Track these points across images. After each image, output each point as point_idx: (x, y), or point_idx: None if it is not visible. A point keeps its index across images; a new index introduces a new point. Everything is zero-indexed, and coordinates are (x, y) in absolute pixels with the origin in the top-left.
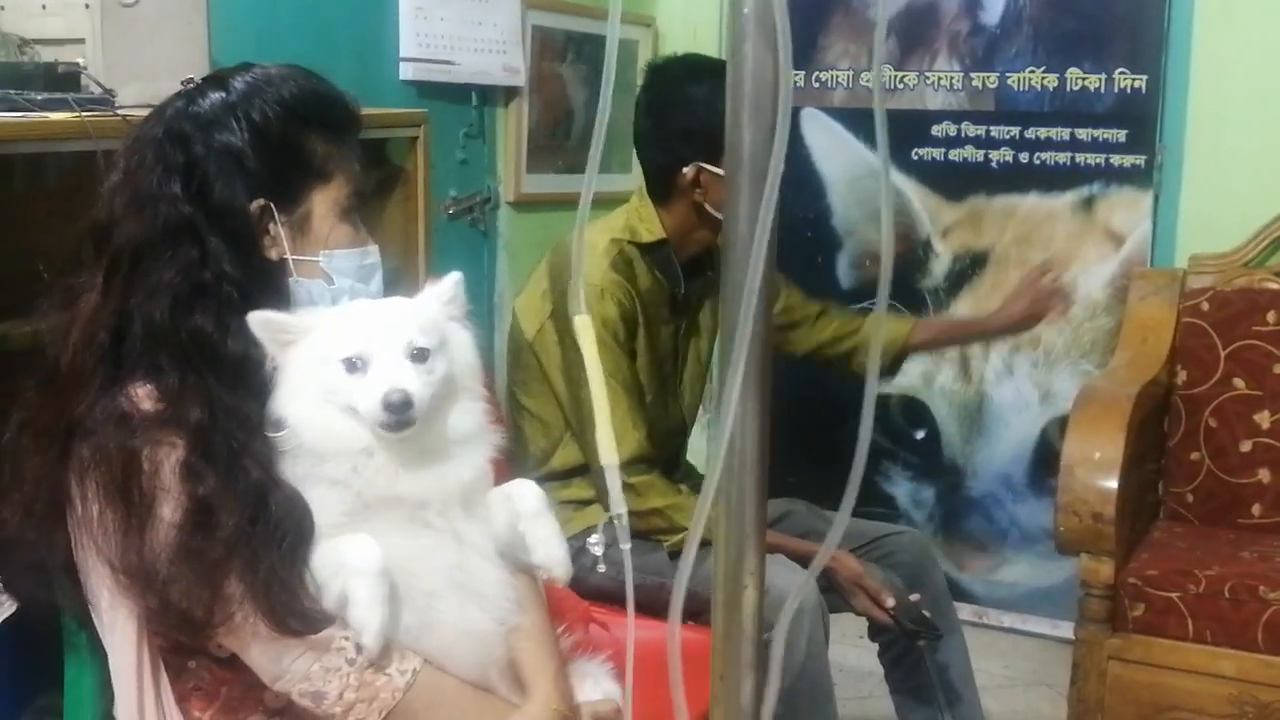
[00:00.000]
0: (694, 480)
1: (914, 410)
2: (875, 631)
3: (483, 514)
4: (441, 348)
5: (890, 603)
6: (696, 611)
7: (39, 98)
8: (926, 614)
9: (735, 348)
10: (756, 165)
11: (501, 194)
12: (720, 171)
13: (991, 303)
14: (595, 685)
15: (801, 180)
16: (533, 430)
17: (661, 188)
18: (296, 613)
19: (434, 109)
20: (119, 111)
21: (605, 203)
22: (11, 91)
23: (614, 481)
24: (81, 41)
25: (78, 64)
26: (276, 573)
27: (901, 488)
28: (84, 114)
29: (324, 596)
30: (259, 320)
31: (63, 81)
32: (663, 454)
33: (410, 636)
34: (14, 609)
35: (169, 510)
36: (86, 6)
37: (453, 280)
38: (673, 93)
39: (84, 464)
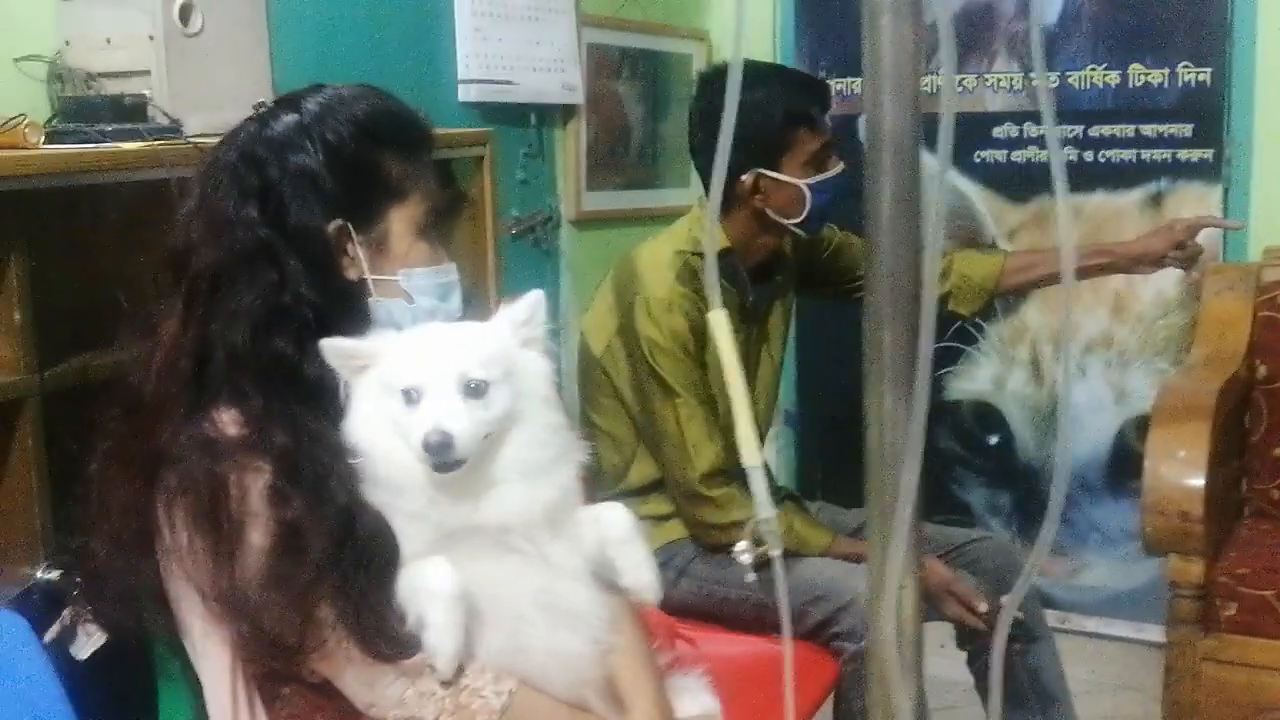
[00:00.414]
0: (774, 489)
1: (986, 415)
2: (963, 639)
3: (572, 533)
4: (507, 379)
5: (984, 608)
6: (778, 625)
7: (108, 129)
8: (1020, 616)
9: (883, 334)
10: (898, 142)
11: (563, 212)
12: (780, 176)
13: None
14: (694, 700)
15: (854, 188)
16: (605, 447)
17: (721, 197)
18: (388, 637)
19: (494, 130)
20: (188, 139)
21: (666, 217)
22: (82, 125)
23: (759, 484)
24: (147, 73)
25: (144, 95)
26: (366, 596)
27: (976, 494)
28: (154, 143)
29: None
30: (331, 347)
31: (130, 113)
32: (740, 466)
33: (503, 659)
34: (103, 640)
35: (258, 535)
36: (151, 38)
37: (530, 300)
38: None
39: (171, 491)
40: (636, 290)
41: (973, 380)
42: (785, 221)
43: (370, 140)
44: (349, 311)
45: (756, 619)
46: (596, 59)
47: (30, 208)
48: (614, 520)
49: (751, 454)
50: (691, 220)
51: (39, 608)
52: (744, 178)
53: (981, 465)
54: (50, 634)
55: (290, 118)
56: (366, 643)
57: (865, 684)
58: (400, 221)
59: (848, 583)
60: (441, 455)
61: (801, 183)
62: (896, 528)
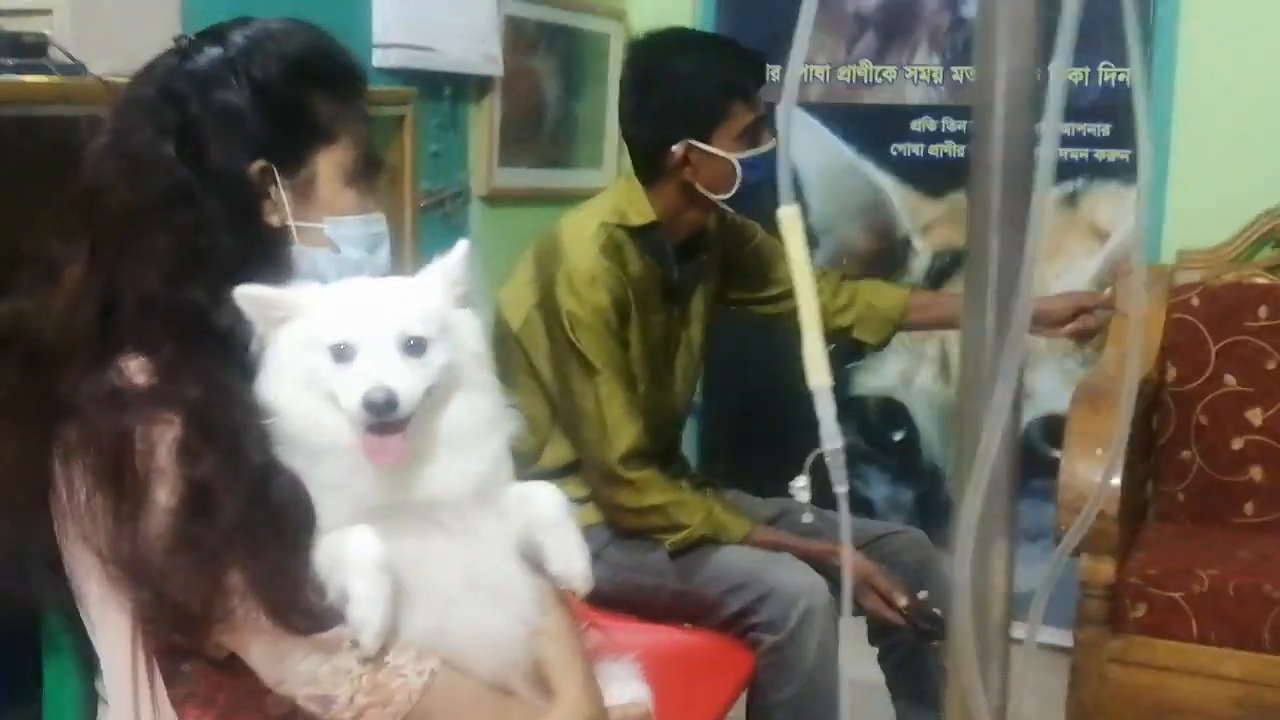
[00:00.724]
0: (690, 474)
1: (892, 411)
2: (875, 635)
3: (502, 508)
4: (443, 335)
5: (903, 602)
6: (696, 614)
7: (8, 62)
8: (938, 612)
9: (980, 316)
10: (1016, 96)
11: (473, 188)
12: (711, 149)
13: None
14: (623, 688)
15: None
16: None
17: (649, 168)
18: (301, 609)
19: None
20: (98, 77)
21: (578, 197)
22: None
23: (826, 408)
24: (49, 13)
25: (44, 35)
26: (280, 564)
27: (879, 490)
28: (59, 78)
29: (325, 594)
30: (247, 295)
31: (29, 53)
32: (659, 447)
33: (426, 639)
34: None
35: (164, 494)
36: None
37: (461, 253)
38: (658, 67)
39: (70, 446)
40: (559, 263)
41: (879, 376)
42: (714, 196)
43: (300, 78)
44: (269, 259)
45: (670, 607)
46: (513, 32)
47: None
48: (545, 500)
49: (819, 373)
50: (617, 192)
51: None
52: (674, 148)
53: (885, 462)
54: None
55: (214, 51)
56: (278, 613)
57: (788, 675)
58: (328, 166)
59: (768, 572)
60: (384, 414)
61: (733, 157)
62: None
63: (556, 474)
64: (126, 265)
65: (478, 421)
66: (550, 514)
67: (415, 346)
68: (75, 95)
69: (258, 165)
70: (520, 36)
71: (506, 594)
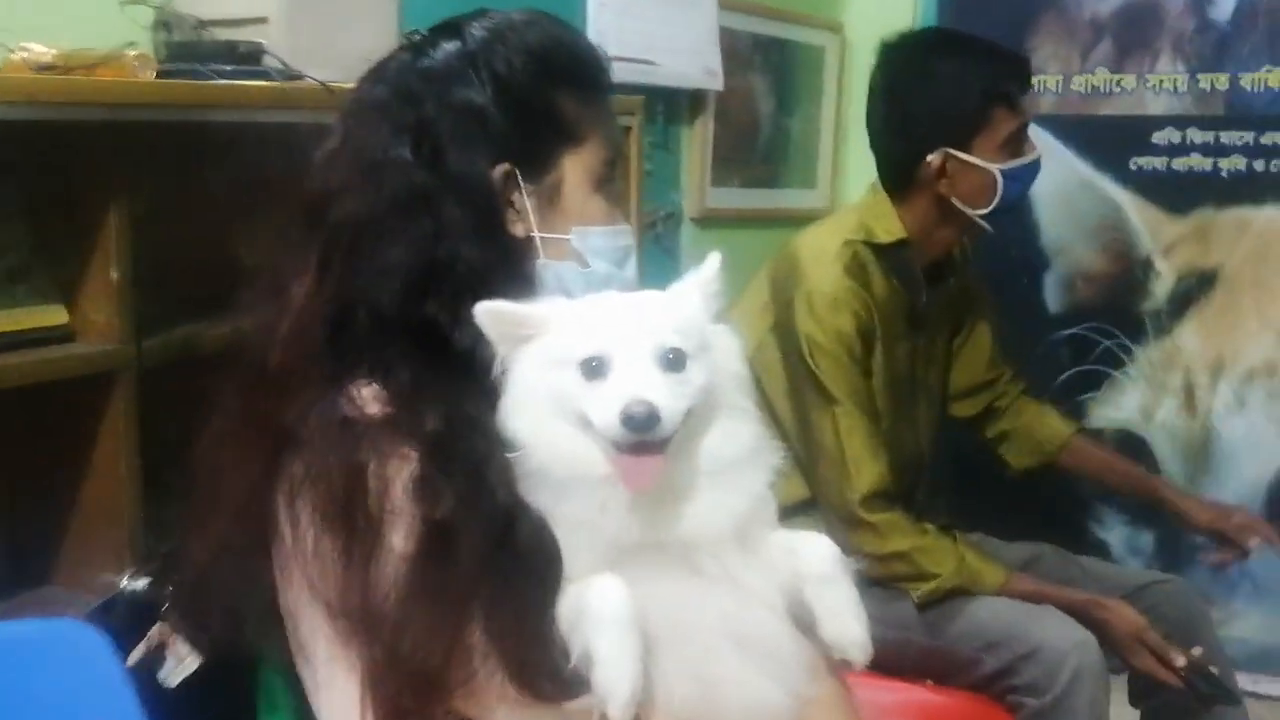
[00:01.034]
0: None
1: (1131, 446)
2: (1138, 696)
3: (765, 557)
4: (702, 353)
5: (1180, 661)
6: (947, 672)
7: (226, 68)
8: (1214, 671)
9: None
10: None
11: (685, 209)
12: (972, 159)
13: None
14: None
15: None
16: None
17: (901, 180)
18: (549, 672)
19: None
20: (320, 82)
21: (792, 220)
22: (196, 65)
23: None
24: (264, 21)
25: (259, 43)
26: (527, 619)
27: (1116, 532)
28: (279, 83)
29: (573, 650)
30: (489, 311)
31: (244, 60)
32: (902, 488)
33: (684, 705)
34: (197, 664)
35: (400, 538)
36: None
37: (714, 265)
38: (916, 69)
39: (296, 481)
40: (798, 283)
41: (1118, 408)
42: (972, 211)
43: (545, 74)
44: (512, 273)
45: (919, 664)
46: (726, 45)
47: (136, 149)
48: (816, 552)
49: None
50: (863, 207)
51: (123, 623)
52: (930, 158)
53: (1122, 502)
54: (135, 656)
55: (451, 45)
56: (525, 678)
57: None
58: (575, 171)
59: (1031, 627)
60: (644, 430)
61: (995, 167)
62: None
63: (791, 512)
64: (359, 279)
65: (739, 451)
66: (823, 568)
67: (675, 361)
68: (294, 99)
69: (501, 169)
70: (734, 50)
71: (773, 655)
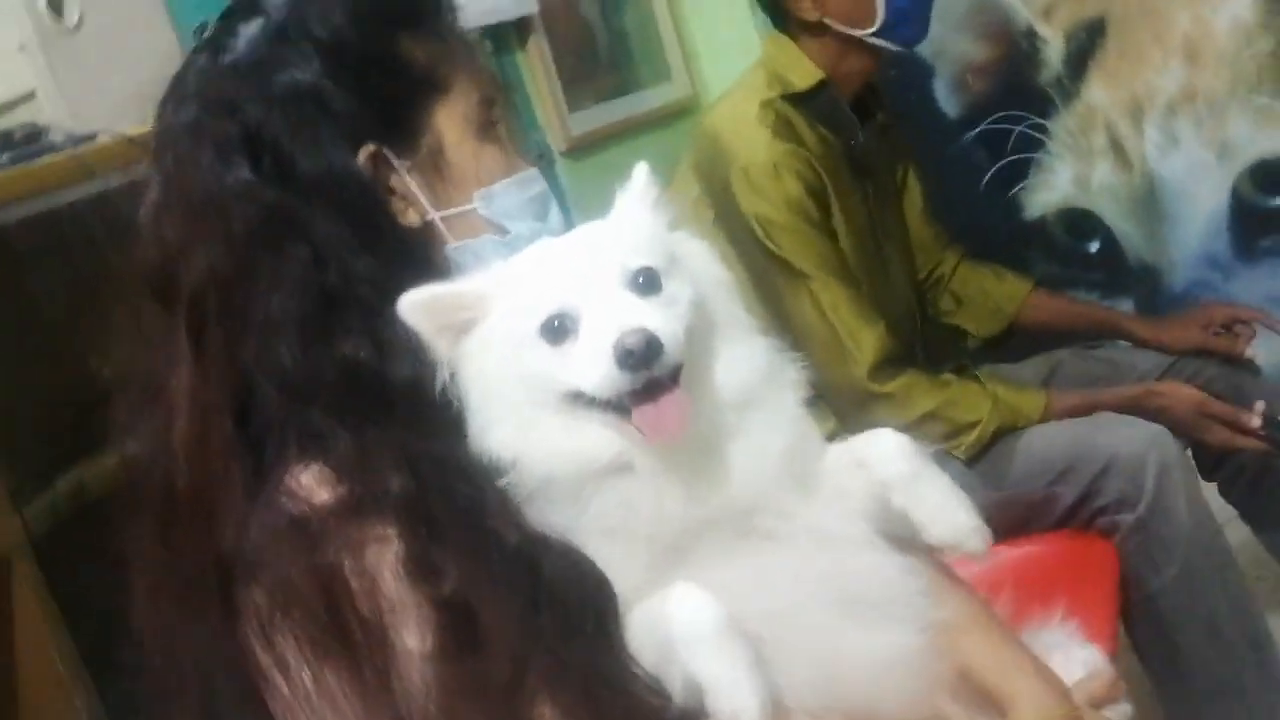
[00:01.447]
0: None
1: (1079, 222)
2: (1209, 469)
3: (831, 484)
4: (674, 266)
5: (1255, 422)
6: (1024, 521)
7: (6, 158)
8: None
9: None
10: None
11: (552, 145)
12: None
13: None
14: (1068, 658)
15: None
16: None
17: (779, 18)
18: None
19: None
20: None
21: (662, 121)
22: None
23: None
24: (33, 97)
25: (34, 125)
26: (598, 675)
27: None
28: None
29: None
30: (415, 306)
31: (28, 143)
32: (905, 347)
33: (816, 698)
34: None
35: (413, 636)
36: (22, 48)
37: (643, 174)
38: None
39: (264, 617)
40: (728, 164)
41: (1052, 189)
42: (858, 31)
43: (376, 21)
44: (422, 272)
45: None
46: None
47: None
48: (887, 452)
49: None
50: (769, 59)
51: None
52: None
53: (1090, 278)
54: None
55: (253, 26)
56: None
57: (1165, 552)
58: (451, 125)
59: (1094, 442)
60: (648, 363)
61: None
62: None
63: None
64: (245, 346)
65: (756, 373)
66: (902, 466)
67: (649, 281)
68: (96, 164)
69: (365, 153)
70: None
71: (888, 598)
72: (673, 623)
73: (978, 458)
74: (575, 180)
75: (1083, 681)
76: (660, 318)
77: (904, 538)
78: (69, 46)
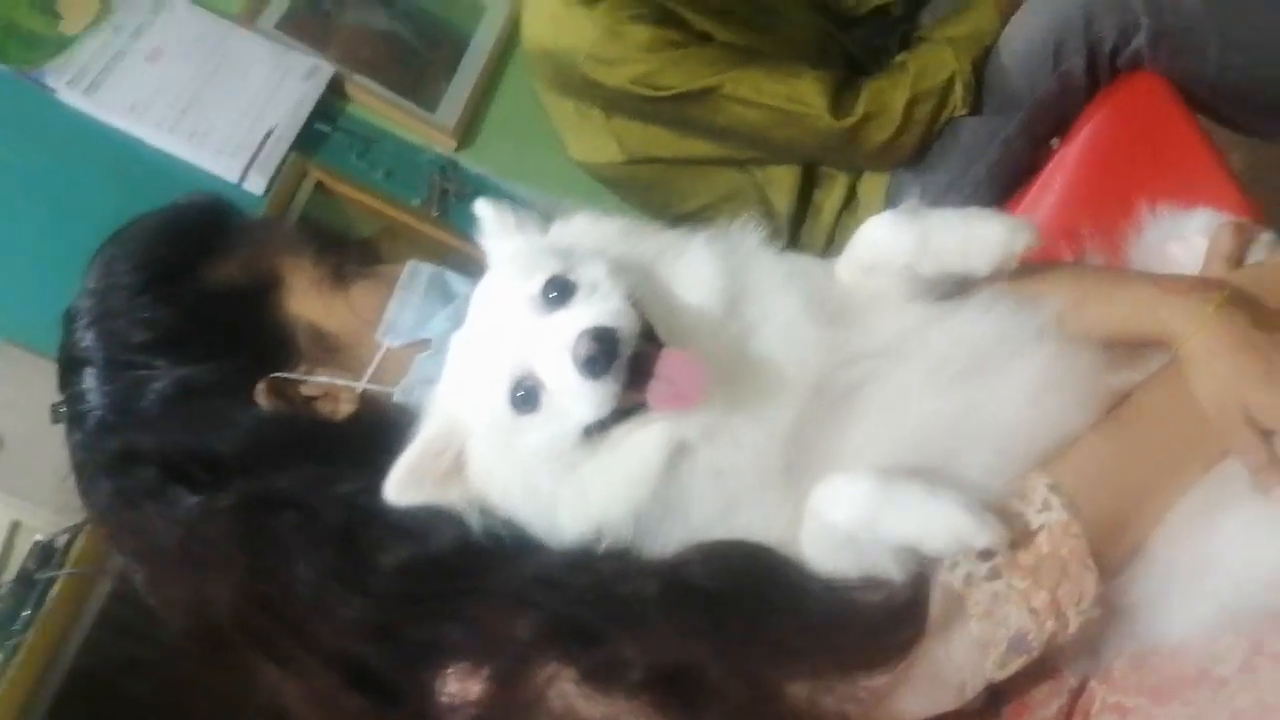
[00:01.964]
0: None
1: None
2: None
3: (862, 297)
4: (573, 257)
5: None
6: (1061, 106)
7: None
8: None
9: None
10: None
11: (445, 153)
12: None
13: None
14: (1184, 240)
15: None
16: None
17: None
18: (874, 631)
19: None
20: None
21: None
22: None
23: None
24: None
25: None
26: (807, 625)
27: None
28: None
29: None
30: (400, 489)
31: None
32: (842, 65)
33: (1005, 466)
34: None
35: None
36: None
37: (487, 209)
38: None
39: None
40: (572, 62)
41: None
42: None
43: (176, 277)
44: (383, 447)
45: (1034, 127)
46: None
47: None
48: (879, 232)
49: None
50: None
51: None
52: None
53: None
54: None
55: (87, 375)
56: (875, 661)
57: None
58: (305, 302)
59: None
60: (612, 349)
61: None
62: None
63: (814, 188)
64: (315, 630)
65: (721, 272)
66: (906, 239)
67: (559, 291)
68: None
69: (260, 393)
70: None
71: (996, 341)
72: (836, 522)
73: (978, 99)
74: (491, 161)
75: (1212, 248)
76: (592, 308)
77: (960, 286)
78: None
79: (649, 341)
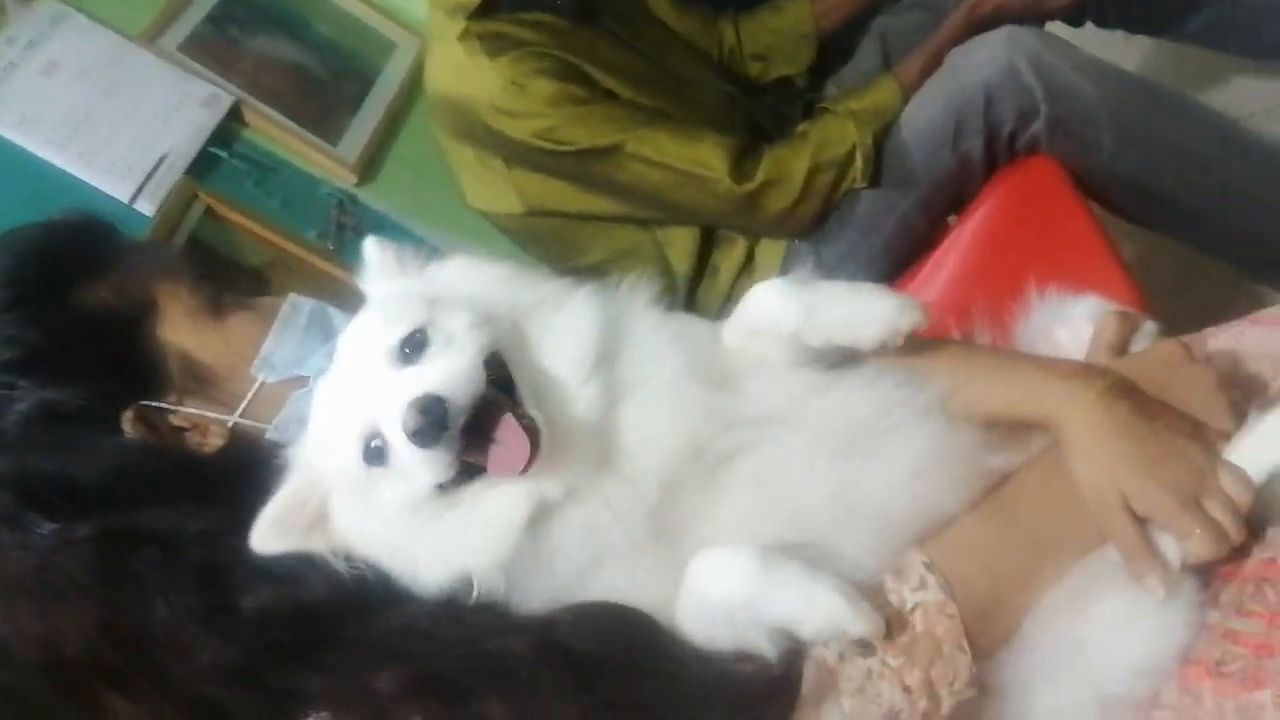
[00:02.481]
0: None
1: None
2: (1075, 19)
3: (745, 362)
4: (438, 306)
5: None
6: (958, 191)
7: None
8: None
9: None
10: None
11: (345, 187)
12: None
13: None
14: (1070, 326)
15: None
16: (634, 265)
17: None
18: (745, 704)
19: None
20: None
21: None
22: None
23: None
24: None
25: None
26: (679, 690)
27: None
28: None
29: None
30: (265, 538)
31: None
32: (746, 131)
33: (880, 545)
34: None
35: None
36: None
37: (371, 248)
38: None
39: None
40: (477, 111)
41: None
42: None
43: (52, 286)
44: (252, 483)
45: (931, 204)
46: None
47: None
48: (771, 303)
49: None
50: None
51: None
52: None
53: None
54: None
55: None
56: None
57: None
58: (179, 330)
59: (962, 83)
60: (440, 421)
61: None
62: None
63: (705, 265)
64: (171, 672)
65: (596, 326)
66: (792, 306)
67: (412, 347)
68: None
69: (127, 420)
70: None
71: (877, 415)
72: (712, 597)
73: (875, 171)
74: (391, 199)
75: (1097, 335)
76: (434, 372)
77: (845, 356)
78: None
79: (502, 399)
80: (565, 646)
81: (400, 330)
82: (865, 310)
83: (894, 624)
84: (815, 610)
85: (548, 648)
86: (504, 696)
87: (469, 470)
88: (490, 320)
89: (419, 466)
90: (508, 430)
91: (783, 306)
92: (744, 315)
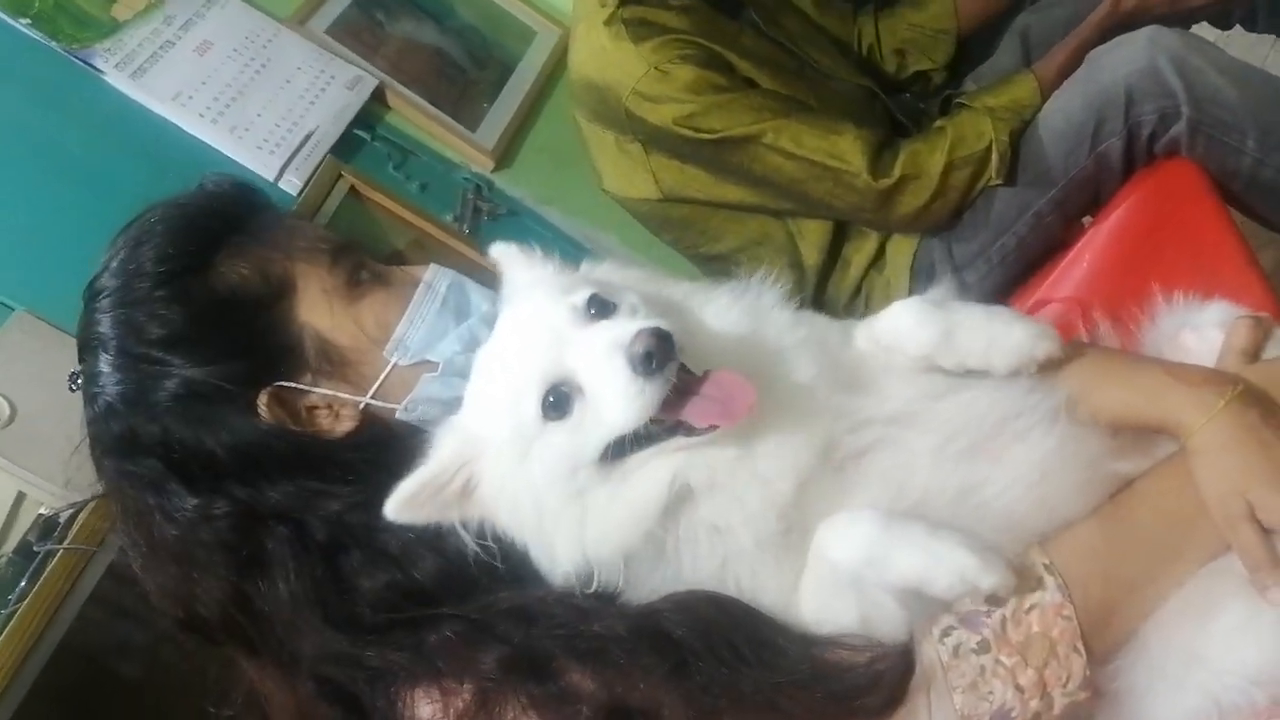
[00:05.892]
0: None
1: None
2: (1222, 20)
3: (876, 365)
4: (608, 287)
5: None
6: (1097, 186)
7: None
8: None
9: None
10: None
11: (481, 172)
12: None
13: None
14: (1198, 331)
15: None
16: (766, 259)
17: None
18: (843, 694)
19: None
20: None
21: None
22: None
23: None
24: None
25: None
26: (778, 682)
27: None
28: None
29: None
30: (400, 508)
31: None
32: (885, 126)
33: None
34: None
35: None
36: None
37: (501, 250)
38: None
39: None
40: (618, 95)
41: None
42: None
43: (203, 260)
44: (391, 459)
45: (1067, 204)
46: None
47: None
48: (898, 319)
49: None
50: None
51: None
52: None
53: None
54: None
55: (102, 359)
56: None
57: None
58: (316, 311)
59: (1103, 81)
60: (667, 352)
61: None
62: None
63: (834, 261)
64: (297, 642)
65: (742, 322)
66: (929, 332)
67: (600, 307)
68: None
69: (264, 400)
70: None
71: (1005, 419)
72: (839, 560)
73: (1011, 167)
74: (526, 185)
75: (1228, 341)
76: (638, 323)
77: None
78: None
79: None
80: (665, 632)
81: (584, 293)
82: (1001, 338)
83: (1010, 623)
84: (942, 565)
85: (646, 631)
86: (597, 674)
87: (644, 436)
88: (656, 303)
89: (627, 399)
90: (723, 381)
91: (919, 329)
92: (879, 331)
